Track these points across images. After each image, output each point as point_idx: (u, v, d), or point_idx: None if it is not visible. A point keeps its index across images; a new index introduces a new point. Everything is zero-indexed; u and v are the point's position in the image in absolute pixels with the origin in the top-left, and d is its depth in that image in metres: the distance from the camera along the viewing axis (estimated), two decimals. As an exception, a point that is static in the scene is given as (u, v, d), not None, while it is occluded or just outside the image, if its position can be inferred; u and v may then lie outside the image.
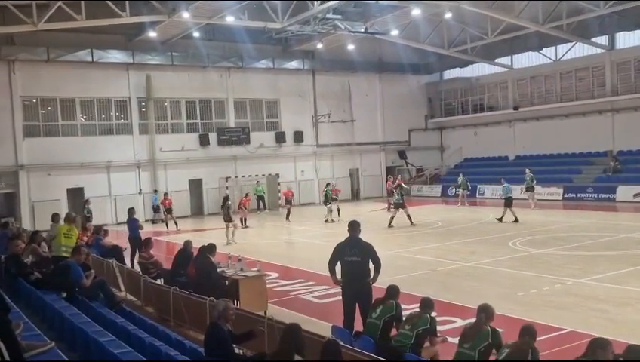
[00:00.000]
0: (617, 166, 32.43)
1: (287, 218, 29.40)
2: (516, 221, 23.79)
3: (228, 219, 22.97)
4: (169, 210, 28.47)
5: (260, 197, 34.45)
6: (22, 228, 23.28)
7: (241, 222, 27.53)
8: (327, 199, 28.34)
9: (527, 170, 29.47)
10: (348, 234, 9.65)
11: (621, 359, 5.47)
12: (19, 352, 5.50)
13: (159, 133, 33.77)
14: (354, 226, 9.61)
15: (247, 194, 29.74)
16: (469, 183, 33.21)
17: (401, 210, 25.08)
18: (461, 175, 34.13)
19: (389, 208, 29.82)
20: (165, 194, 29.78)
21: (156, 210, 31.34)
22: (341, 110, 39.77)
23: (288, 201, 30.45)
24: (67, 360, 6.23)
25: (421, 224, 25.46)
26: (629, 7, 28.13)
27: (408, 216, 24.80)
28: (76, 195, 30.59)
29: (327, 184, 29.74)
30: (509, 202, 24.65)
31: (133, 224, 17.99)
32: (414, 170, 42.41)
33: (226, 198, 24.06)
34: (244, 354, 7.20)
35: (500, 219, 24.37)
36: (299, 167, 38.52)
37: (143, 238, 16.00)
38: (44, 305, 9.08)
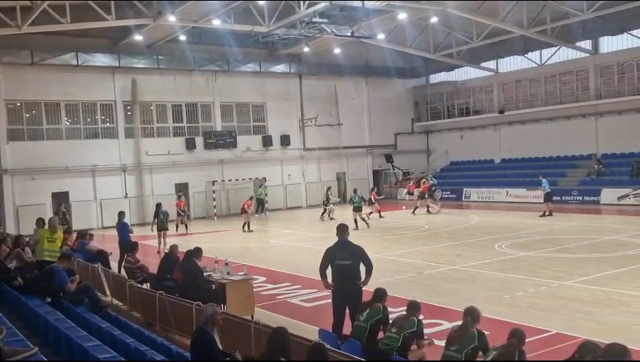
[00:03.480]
0: (601, 169, 32.72)
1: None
2: (550, 214, 26.03)
3: (165, 228, 22.19)
4: (183, 212, 27.92)
5: (260, 201, 34.02)
6: (6, 232, 23.08)
7: (246, 227, 27.32)
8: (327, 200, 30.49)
9: (428, 177, 32.44)
10: (336, 238, 9.63)
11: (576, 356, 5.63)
12: (0, 357, 5.46)
13: (145, 137, 33.61)
14: (342, 229, 9.58)
15: (251, 198, 29.92)
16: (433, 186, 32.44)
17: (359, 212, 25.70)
18: (429, 176, 34.56)
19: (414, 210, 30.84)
20: (180, 196, 29.22)
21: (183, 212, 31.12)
22: (328, 114, 39.80)
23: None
24: (45, 359, 6.20)
25: (408, 227, 25.58)
26: (612, 11, 28.40)
27: (363, 219, 25.62)
28: (61, 199, 30.33)
29: (329, 188, 31.80)
30: (549, 197, 26.65)
31: (123, 228, 17.86)
32: (401, 173, 42.51)
33: (159, 206, 23.36)
34: (232, 358, 7.17)
35: (550, 214, 26.06)
36: (286, 170, 38.50)
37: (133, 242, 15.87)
38: (28, 310, 9.01)
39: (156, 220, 22.53)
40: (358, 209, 25.68)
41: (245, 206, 28.15)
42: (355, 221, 25.09)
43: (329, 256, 9.49)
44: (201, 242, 20.01)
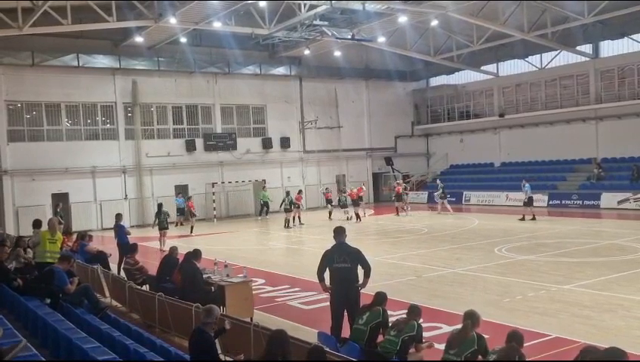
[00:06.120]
0: (601, 173, 32.72)
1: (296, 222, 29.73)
2: (534, 218, 26.26)
3: (165, 227, 22.85)
4: (192, 214, 28.69)
5: (265, 203, 33.57)
6: (5, 233, 23.08)
7: (297, 220, 29.36)
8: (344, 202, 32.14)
9: (438, 181, 32.44)
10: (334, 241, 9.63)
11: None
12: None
13: (145, 139, 33.61)
14: (340, 232, 9.57)
15: (300, 191, 31.58)
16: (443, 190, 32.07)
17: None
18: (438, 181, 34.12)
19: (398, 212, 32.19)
20: (189, 197, 29.98)
21: (181, 212, 31.29)
22: (328, 116, 39.83)
23: (297, 206, 30.50)
24: (44, 360, 6.19)
25: (407, 230, 25.60)
26: (612, 16, 28.41)
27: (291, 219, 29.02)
28: (61, 200, 30.34)
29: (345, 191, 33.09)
30: (530, 202, 26.93)
31: (120, 230, 17.86)
32: (400, 176, 42.50)
33: (161, 206, 23.76)
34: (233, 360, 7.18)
35: (534, 218, 26.35)
36: (285, 173, 38.50)
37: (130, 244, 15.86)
38: (27, 312, 9.00)
39: (157, 220, 23.01)
40: (288, 211, 28.92)
41: (295, 199, 29.76)
42: (286, 221, 28.56)
43: (327, 259, 9.47)
44: (201, 244, 20.06)
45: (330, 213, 31.71)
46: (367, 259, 9.46)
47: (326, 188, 34.58)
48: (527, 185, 27.49)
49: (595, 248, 18.69)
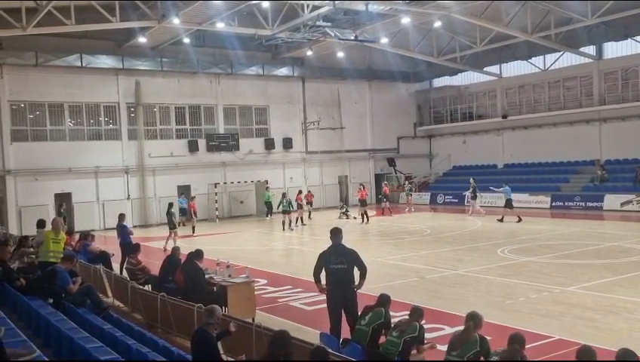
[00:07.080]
0: (604, 175, 32.66)
1: (296, 222, 29.72)
2: (511, 220, 26.14)
3: (172, 227, 23.04)
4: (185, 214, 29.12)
5: (268, 204, 33.64)
6: (9, 233, 23.12)
7: (298, 221, 29.48)
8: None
9: (471, 180, 31.52)
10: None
11: None
12: (4, 357, 5.48)
13: (148, 139, 33.63)
14: (336, 233, 9.55)
15: (300, 191, 31.64)
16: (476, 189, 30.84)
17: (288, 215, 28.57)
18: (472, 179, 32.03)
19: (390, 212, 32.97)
20: (193, 198, 30.27)
21: (183, 212, 31.29)
22: (330, 117, 39.83)
23: (300, 206, 30.59)
24: (46, 360, 6.19)
25: (409, 231, 25.58)
26: (616, 17, 28.36)
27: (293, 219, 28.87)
28: (64, 200, 30.40)
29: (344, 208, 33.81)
30: (509, 203, 27.00)
31: (123, 230, 17.88)
32: (403, 177, 42.49)
33: (170, 205, 23.93)
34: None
35: (512, 219, 26.26)
36: (288, 173, 38.51)
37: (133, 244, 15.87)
38: (30, 311, 9.01)
39: (168, 219, 23.28)
40: (286, 212, 28.37)
41: (298, 200, 30.05)
42: (283, 223, 28.25)
43: (323, 260, 9.48)
44: (203, 244, 20.05)
45: (309, 213, 32.41)
46: (362, 260, 9.47)
47: (309, 191, 34.69)
48: (506, 187, 27.69)
49: (597, 250, 18.65)
